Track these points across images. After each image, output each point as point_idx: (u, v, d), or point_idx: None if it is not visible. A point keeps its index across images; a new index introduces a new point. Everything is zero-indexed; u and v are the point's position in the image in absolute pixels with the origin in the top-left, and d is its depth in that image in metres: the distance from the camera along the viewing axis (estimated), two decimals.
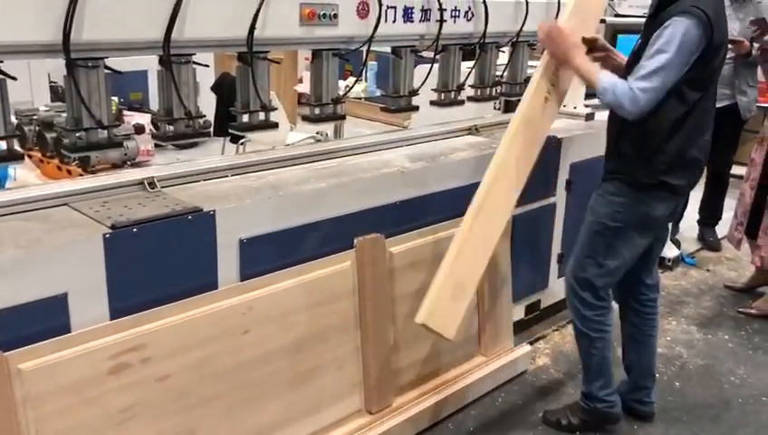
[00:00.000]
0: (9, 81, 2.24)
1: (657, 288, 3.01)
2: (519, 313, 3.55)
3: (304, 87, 7.48)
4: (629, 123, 2.56)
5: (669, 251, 4.75)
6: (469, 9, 3.27)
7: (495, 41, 3.47)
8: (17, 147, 2.39)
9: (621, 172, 2.70)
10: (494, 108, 4.40)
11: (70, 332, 1.97)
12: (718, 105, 4.78)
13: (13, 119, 2.30)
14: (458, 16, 3.26)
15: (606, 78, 2.54)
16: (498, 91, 3.67)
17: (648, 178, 2.63)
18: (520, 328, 3.56)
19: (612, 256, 2.73)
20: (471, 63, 3.54)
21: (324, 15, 2.71)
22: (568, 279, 2.87)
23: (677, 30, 2.41)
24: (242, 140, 5.26)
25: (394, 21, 3.01)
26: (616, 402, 2.94)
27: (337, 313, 2.61)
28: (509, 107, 4.08)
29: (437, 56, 3.33)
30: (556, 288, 3.75)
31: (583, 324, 2.84)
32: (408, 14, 3.06)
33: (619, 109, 2.50)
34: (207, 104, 2.81)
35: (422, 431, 2.87)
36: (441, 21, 3.14)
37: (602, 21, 3.86)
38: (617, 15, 5.25)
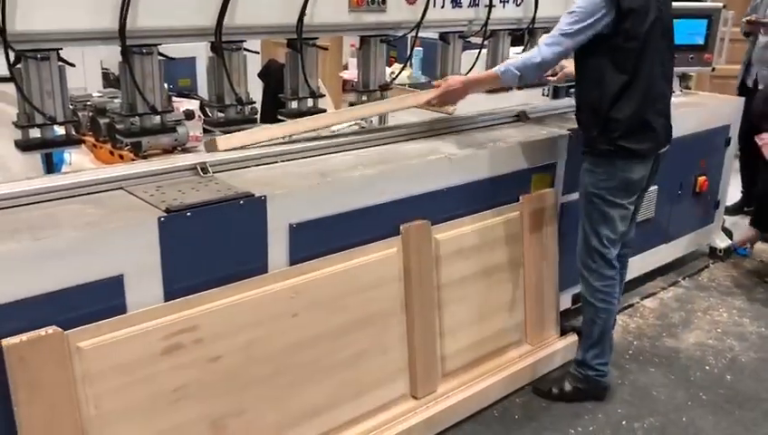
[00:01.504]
0: (66, 67, 2.31)
1: (631, 243, 3.16)
2: (566, 302, 3.51)
3: (349, 74, 7.47)
4: (580, 99, 2.85)
5: (720, 241, 4.64)
6: None
7: (545, 26, 3.42)
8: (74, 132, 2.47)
9: (588, 145, 2.86)
10: (543, 94, 4.34)
11: (125, 312, 2.02)
12: None
13: None
14: (507, 1, 3.23)
15: (499, 65, 2.82)
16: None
17: (607, 145, 2.76)
18: (566, 317, 3.53)
19: (606, 223, 2.85)
20: (519, 49, 3.50)
21: (373, 2, 2.72)
22: (578, 251, 2.98)
23: None
24: None
25: (443, 6, 3.00)
26: (607, 372, 3.06)
27: (383, 298, 2.63)
28: (557, 93, 4.02)
29: (485, 42, 3.30)
30: None
31: (591, 294, 2.96)
32: (456, 0, 3.05)
33: (526, 71, 2.73)
34: (254, 91, 2.84)
35: (467, 418, 2.87)
36: (490, 6, 3.12)
37: None
38: None
